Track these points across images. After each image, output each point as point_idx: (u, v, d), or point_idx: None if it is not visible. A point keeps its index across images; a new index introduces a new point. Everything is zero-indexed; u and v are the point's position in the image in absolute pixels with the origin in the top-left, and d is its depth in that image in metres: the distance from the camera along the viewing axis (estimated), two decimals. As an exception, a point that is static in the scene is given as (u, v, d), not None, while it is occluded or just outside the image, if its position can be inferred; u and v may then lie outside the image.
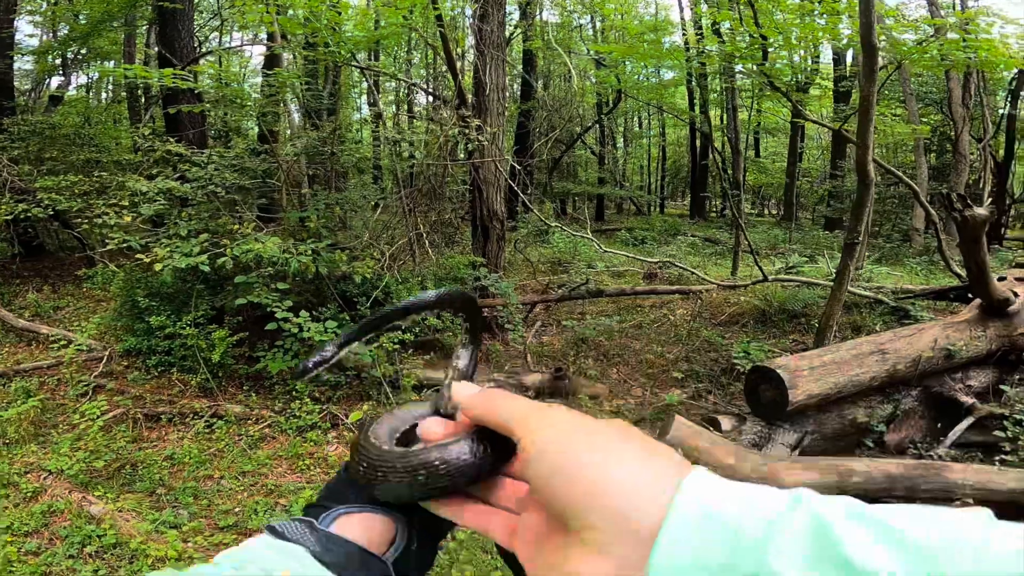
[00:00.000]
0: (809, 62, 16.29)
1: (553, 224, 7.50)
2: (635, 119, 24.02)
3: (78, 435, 4.21)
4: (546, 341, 6.58)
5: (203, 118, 8.09)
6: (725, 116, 12.86)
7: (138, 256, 4.62)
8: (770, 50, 7.12)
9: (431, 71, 12.30)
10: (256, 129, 7.64)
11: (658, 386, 5.64)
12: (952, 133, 11.78)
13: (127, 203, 5.13)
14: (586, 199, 16.78)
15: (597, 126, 17.11)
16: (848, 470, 3.52)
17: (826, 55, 16.64)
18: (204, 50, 11.02)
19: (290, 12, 6.16)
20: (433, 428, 0.47)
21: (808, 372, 4.21)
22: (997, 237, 14.12)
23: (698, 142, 17.84)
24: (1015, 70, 12.61)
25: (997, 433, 3.94)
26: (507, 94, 8.39)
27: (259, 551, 0.44)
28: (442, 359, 5.93)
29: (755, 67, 7.37)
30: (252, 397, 5.06)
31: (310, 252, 5.04)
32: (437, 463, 0.44)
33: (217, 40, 14.43)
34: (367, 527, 0.48)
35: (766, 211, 23.21)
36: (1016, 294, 4.76)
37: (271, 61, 7.96)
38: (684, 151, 21.71)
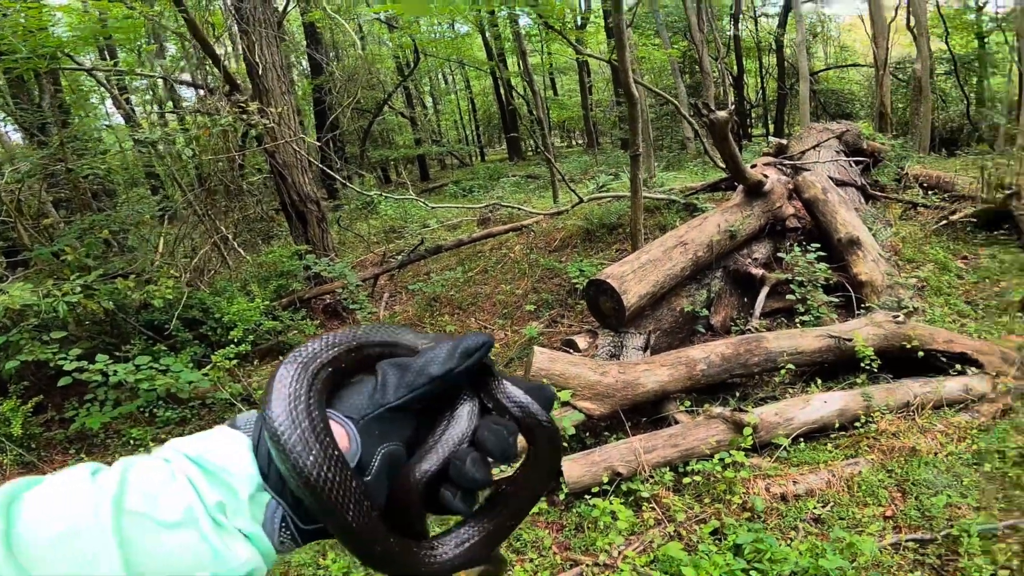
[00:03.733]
0: (582, 3, 16.65)
1: (373, 193, 6.73)
2: (439, 76, 23.10)
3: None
4: (398, 310, 6.00)
5: None
6: (521, 62, 12.73)
7: None
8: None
9: (192, 61, 10.20)
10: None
11: (516, 323, 5.46)
12: (697, 56, 12.95)
13: None
14: (406, 162, 15.88)
15: (403, 90, 16.01)
16: (691, 359, 3.56)
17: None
18: None
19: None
20: None
21: (632, 275, 4.22)
22: (746, 135, 16.27)
23: (502, 89, 17.67)
24: None
25: (789, 297, 4.27)
26: (288, 72, 7.23)
27: (205, 439, 0.42)
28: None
29: (529, 8, 7.07)
30: (84, 458, 4.05)
31: (79, 289, 3.82)
32: None
33: None
34: None
35: (573, 142, 24.22)
36: (767, 176, 5.21)
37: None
38: (492, 100, 21.49)
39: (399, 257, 6.20)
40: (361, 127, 13.19)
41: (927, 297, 4.19)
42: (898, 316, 3.51)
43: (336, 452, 0.41)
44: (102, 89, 7.39)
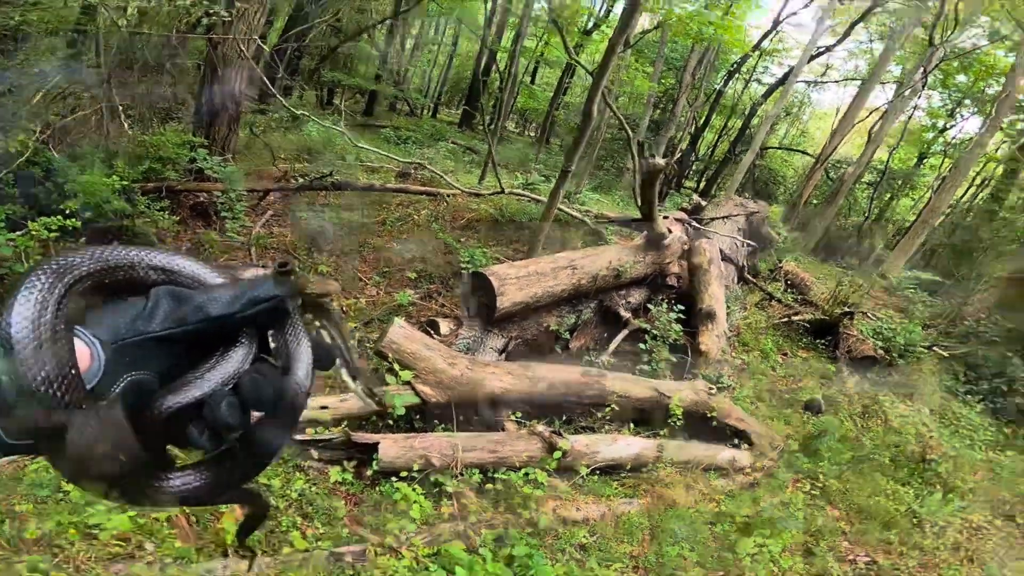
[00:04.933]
0: (601, 9, 16.37)
1: (300, 112, 6.23)
2: (432, 24, 21.83)
3: None
4: (277, 232, 5.62)
5: None
6: (514, 45, 12.31)
7: None
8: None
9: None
10: None
11: (392, 285, 5.31)
12: (675, 96, 13.26)
13: None
14: (355, 92, 14.88)
15: (389, 23, 14.90)
16: (537, 377, 3.70)
17: (620, 5, 16.79)
18: None
19: None
20: None
21: (515, 280, 4.29)
22: (679, 184, 16.95)
23: (484, 59, 17.04)
24: (741, 55, 14.63)
25: (641, 345, 4.55)
26: None
27: None
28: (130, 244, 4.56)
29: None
30: None
31: None
32: None
33: None
34: None
35: (527, 132, 24.03)
36: (671, 231, 5.51)
37: None
38: (470, 64, 20.69)
39: (300, 180, 5.81)
40: (330, 45, 12.13)
41: (743, 379, 4.70)
42: (712, 389, 3.90)
43: (72, 372, 0.39)
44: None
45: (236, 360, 0.46)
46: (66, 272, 0.42)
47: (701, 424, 3.76)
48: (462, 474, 3.06)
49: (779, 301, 6.26)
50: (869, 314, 5.94)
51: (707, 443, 3.65)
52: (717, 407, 3.77)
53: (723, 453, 3.57)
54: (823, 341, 5.57)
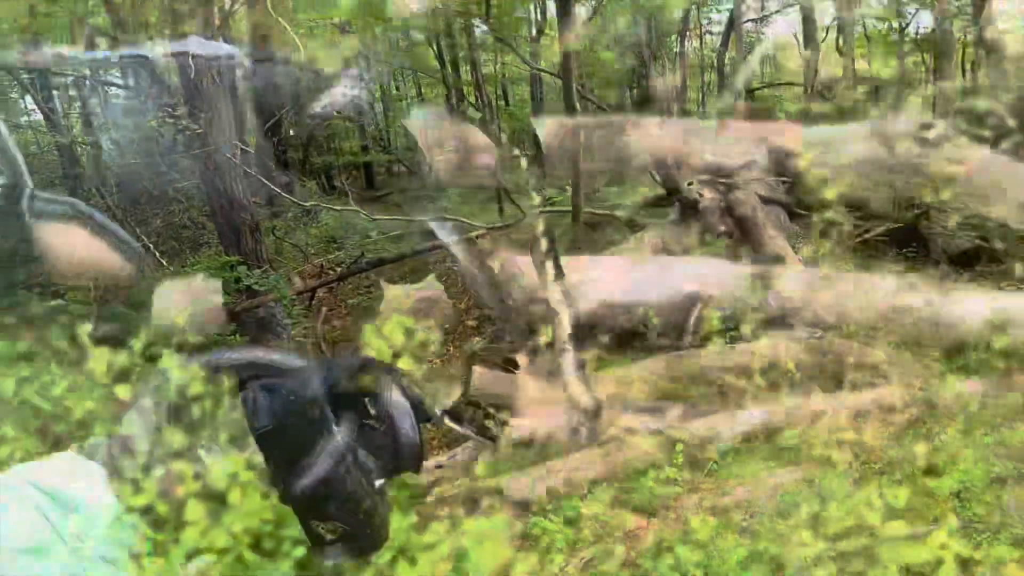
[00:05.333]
0: (538, 15, 16.77)
1: (310, 204, 6.51)
2: (391, 83, 22.70)
3: None
4: (338, 324, 5.79)
5: None
6: (473, 74, 12.69)
7: None
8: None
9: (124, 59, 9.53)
10: None
11: (458, 339, 5.39)
12: (644, 71, 13.39)
13: None
14: (351, 169, 15.48)
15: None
16: (629, 377, 3.65)
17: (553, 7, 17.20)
18: None
19: None
20: None
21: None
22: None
23: (453, 100, 17.52)
24: (683, 13, 14.73)
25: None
26: (230, 73, 6.97)
27: (56, 468, 0.41)
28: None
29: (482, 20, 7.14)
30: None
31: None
32: None
33: None
34: None
35: (524, 152, 24.26)
36: (702, 194, 5.38)
37: None
38: (443, 109, 21.27)
39: (338, 269, 6.00)
40: (307, 132, 12.72)
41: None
42: (816, 331, 3.70)
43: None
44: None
45: (344, 433, 0.49)
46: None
47: (821, 372, 3.55)
48: (591, 492, 2.98)
49: (842, 224, 5.92)
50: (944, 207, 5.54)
51: (836, 392, 3.43)
52: (829, 349, 3.56)
53: (863, 396, 3.34)
54: (911, 249, 5.24)
